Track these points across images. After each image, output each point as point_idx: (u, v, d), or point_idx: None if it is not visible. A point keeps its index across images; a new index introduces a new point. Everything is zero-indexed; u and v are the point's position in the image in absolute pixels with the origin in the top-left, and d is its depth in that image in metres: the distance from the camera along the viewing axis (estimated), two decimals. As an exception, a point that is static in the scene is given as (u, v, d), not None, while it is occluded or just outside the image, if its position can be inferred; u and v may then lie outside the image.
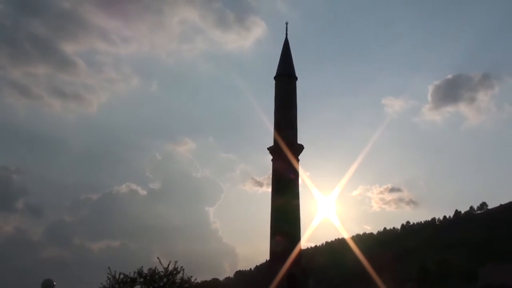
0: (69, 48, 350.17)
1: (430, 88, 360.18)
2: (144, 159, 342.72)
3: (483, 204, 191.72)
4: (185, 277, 19.35)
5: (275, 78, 41.17)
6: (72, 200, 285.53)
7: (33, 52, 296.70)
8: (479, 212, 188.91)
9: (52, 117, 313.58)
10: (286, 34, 41.95)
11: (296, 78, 41.19)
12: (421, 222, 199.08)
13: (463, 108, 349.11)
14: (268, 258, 38.48)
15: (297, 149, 38.98)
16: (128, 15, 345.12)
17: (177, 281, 19.32)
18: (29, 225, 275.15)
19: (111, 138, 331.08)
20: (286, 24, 42.28)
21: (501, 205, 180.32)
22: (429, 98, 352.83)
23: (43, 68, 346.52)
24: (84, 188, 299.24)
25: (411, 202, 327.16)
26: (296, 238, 37.22)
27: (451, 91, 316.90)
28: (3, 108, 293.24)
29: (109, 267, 19.04)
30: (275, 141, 39.17)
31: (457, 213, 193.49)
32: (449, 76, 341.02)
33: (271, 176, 39.76)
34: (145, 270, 19.12)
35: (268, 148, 39.53)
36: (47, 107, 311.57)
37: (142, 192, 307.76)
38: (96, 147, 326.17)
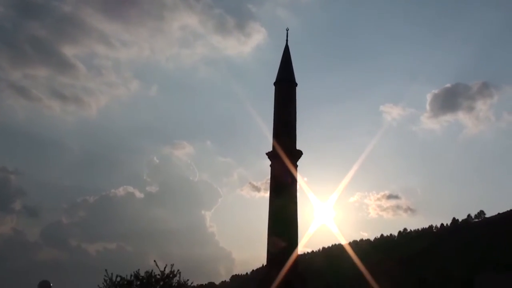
0: (69, 50, 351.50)
1: (429, 97, 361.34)
2: (142, 162, 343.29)
3: (481, 213, 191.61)
4: (182, 281, 19.36)
5: (275, 83, 41.27)
6: (69, 202, 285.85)
7: (33, 54, 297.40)
8: (476, 220, 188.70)
9: (51, 119, 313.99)
10: (287, 40, 42.06)
11: (296, 84, 41.29)
12: (418, 229, 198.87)
13: (461, 117, 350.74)
14: (264, 263, 38.51)
15: (296, 155, 39.03)
16: (129, 20, 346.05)
17: (173, 284, 19.31)
18: (26, 226, 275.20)
19: (110, 141, 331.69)
20: (287, 30, 42.39)
21: (499, 213, 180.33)
22: (428, 106, 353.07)
23: (42, 70, 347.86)
24: (81, 191, 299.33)
25: (408, 209, 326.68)
26: (294, 243, 37.23)
27: (450, 100, 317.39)
28: (2, 109, 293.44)
29: (106, 270, 19.05)
30: (273, 146, 39.24)
31: (454, 221, 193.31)
32: (448, 85, 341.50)
33: (269, 181, 39.84)
34: (142, 273, 19.15)
35: (266, 153, 39.58)
36: (46, 109, 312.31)
37: (139, 195, 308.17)
38: (94, 150, 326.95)
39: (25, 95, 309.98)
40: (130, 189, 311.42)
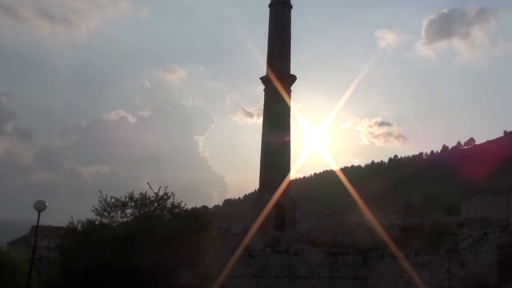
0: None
1: (424, 22, 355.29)
2: (134, 86, 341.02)
3: (471, 140, 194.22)
4: (175, 203, 19.60)
5: (270, 5, 40.38)
6: (61, 126, 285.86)
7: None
8: (466, 147, 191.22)
9: (40, 40, 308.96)
10: (282, -41, 40.72)
11: (291, 6, 40.41)
12: (409, 156, 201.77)
13: (456, 43, 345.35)
14: (257, 187, 39.16)
15: (289, 80, 38.77)
16: None
17: (167, 206, 19.55)
18: (19, 148, 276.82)
19: (100, 64, 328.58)
20: None
21: (488, 141, 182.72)
22: (423, 32, 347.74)
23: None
24: (73, 114, 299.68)
25: (400, 136, 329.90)
26: (286, 169, 37.72)
27: (446, 26, 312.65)
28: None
29: (100, 191, 19.24)
30: (267, 71, 38.86)
31: (444, 148, 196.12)
32: (444, 10, 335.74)
33: (262, 107, 39.84)
34: (136, 195, 19.35)
35: (260, 78, 39.30)
36: (35, 30, 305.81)
37: (132, 119, 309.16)
38: (85, 73, 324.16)
39: (12, 15, 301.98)
40: (123, 113, 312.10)
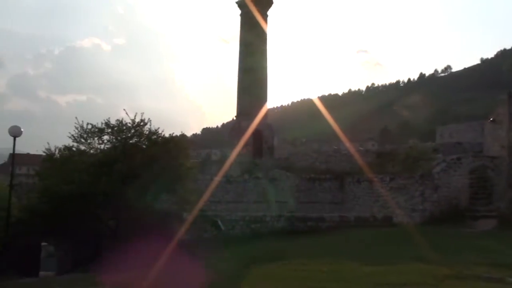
0: None
1: None
2: (105, 12, 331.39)
3: (448, 67, 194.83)
4: (152, 129, 19.53)
5: None
6: (34, 53, 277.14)
7: None
8: (443, 74, 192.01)
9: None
10: None
11: None
12: (386, 84, 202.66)
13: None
14: (235, 116, 39.05)
15: (266, 4, 37.83)
16: None
17: (144, 132, 19.48)
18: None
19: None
20: None
21: (465, 68, 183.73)
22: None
23: None
24: (44, 41, 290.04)
25: (378, 64, 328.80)
26: (263, 95, 37.55)
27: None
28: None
29: (76, 117, 19.04)
30: (244, -6, 37.76)
31: (421, 75, 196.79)
32: None
33: (239, 34, 38.97)
34: (113, 122, 19.19)
35: (236, 2, 38.26)
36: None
37: (106, 47, 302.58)
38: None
39: None
40: (96, 40, 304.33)
